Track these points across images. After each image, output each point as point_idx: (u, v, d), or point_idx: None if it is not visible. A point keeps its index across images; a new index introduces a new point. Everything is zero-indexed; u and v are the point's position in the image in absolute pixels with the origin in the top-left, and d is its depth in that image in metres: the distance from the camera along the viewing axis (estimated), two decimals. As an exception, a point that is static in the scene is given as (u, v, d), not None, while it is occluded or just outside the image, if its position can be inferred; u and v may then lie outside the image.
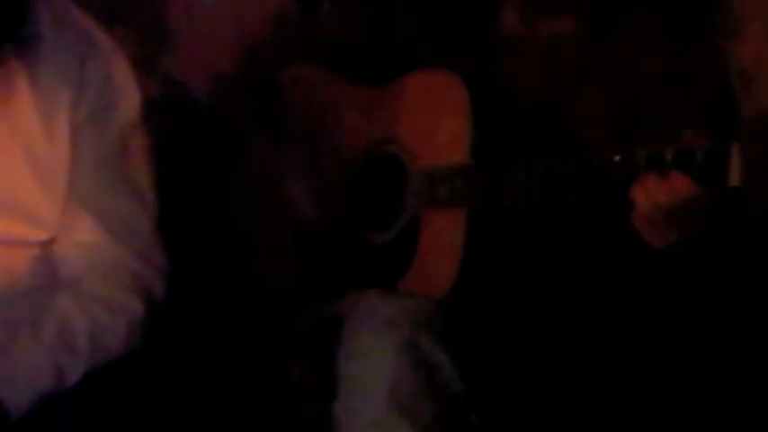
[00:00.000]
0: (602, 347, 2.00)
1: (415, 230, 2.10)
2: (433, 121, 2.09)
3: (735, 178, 1.72)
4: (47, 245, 1.95)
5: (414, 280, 2.09)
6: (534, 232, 2.04)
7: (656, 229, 1.86)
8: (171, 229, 2.02)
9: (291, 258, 2.23)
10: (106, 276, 1.96)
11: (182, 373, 2.11)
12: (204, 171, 2.32)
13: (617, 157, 1.84)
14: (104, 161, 1.96)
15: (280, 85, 2.27)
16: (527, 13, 2.08)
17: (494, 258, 2.04)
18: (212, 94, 2.35)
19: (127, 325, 1.96)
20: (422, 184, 2.09)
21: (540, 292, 2.04)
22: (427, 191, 2.09)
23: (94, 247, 1.95)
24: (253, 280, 2.24)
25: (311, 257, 2.23)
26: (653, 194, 1.81)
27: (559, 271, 2.03)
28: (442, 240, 2.06)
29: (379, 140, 2.18)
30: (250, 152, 2.29)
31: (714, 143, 1.76)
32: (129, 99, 1.98)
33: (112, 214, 1.96)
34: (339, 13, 2.31)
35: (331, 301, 2.16)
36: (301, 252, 2.23)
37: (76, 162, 1.94)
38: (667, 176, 1.79)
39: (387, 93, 2.17)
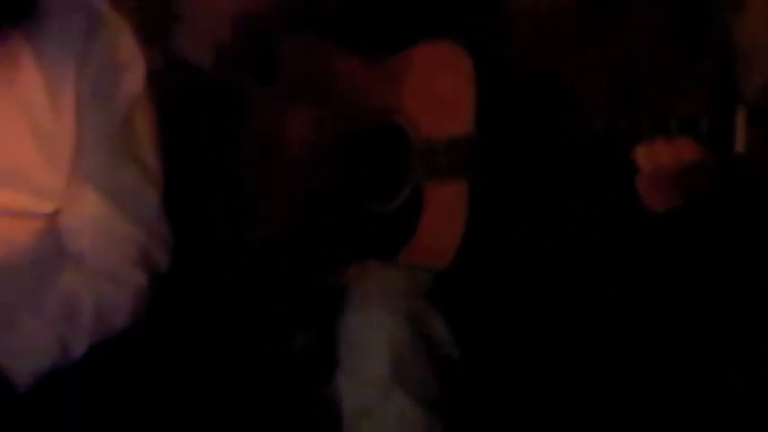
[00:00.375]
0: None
1: (417, 201, 2.10)
2: (437, 91, 2.09)
3: (741, 144, 1.74)
4: (52, 217, 1.95)
5: (416, 250, 2.09)
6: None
7: (659, 191, 1.87)
8: (173, 199, 2.02)
9: (293, 228, 2.24)
10: (111, 249, 1.96)
11: (183, 344, 2.11)
12: (205, 140, 2.32)
13: (621, 123, 1.85)
14: (110, 134, 1.96)
15: (281, 55, 2.27)
16: None
17: (496, 231, 2.05)
18: (214, 63, 2.34)
19: (131, 298, 1.96)
20: (425, 155, 2.10)
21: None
22: (430, 161, 2.09)
23: (100, 220, 1.96)
24: (254, 250, 2.25)
25: (313, 227, 2.23)
26: (658, 156, 1.81)
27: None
28: (445, 212, 2.07)
29: (383, 111, 2.18)
30: (251, 121, 2.29)
31: (719, 110, 1.77)
32: (135, 71, 1.98)
33: (118, 187, 1.96)
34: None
35: (332, 271, 2.16)
36: (303, 221, 2.24)
37: (82, 135, 1.95)
38: (674, 141, 1.80)
39: (390, 64, 2.16)
